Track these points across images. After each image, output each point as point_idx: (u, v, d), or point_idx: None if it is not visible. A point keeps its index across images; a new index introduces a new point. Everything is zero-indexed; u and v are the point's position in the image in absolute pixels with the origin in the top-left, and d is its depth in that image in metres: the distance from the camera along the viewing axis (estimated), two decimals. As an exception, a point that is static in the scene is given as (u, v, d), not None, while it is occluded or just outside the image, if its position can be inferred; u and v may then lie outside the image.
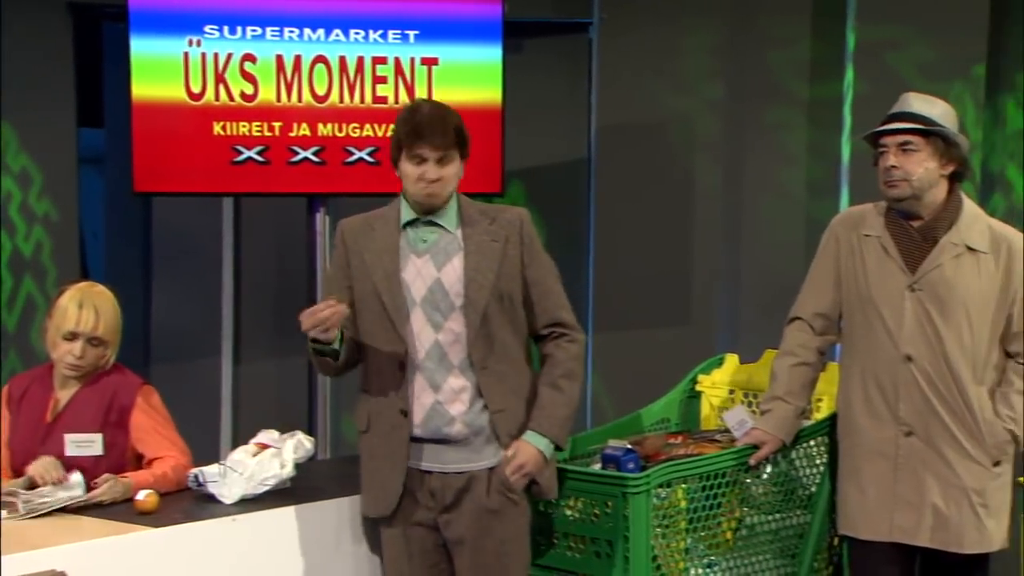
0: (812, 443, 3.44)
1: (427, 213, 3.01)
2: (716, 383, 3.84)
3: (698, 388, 3.87)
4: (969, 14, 4.80)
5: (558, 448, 3.08)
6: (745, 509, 3.36)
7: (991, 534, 3.22)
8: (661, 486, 3.15)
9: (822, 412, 3.58)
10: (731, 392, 3.79)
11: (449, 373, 2.97)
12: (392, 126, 3.02)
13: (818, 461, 3.45)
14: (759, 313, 5.02)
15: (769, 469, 3.37)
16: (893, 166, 3.19)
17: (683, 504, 3.21)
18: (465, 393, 2.98)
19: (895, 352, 3.22)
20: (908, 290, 3.22)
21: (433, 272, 2.99)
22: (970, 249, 3.21)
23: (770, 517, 3.39)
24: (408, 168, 2.97)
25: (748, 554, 3.34)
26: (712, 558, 3.27)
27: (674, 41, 5.15)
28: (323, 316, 2.83)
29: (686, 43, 5.16)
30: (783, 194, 5.13)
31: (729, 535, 3.31)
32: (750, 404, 3.68)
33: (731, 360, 3.90)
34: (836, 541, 3.47)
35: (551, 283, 3.10)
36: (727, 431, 3.44)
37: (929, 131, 3.18)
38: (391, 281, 2.98)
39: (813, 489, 3.44)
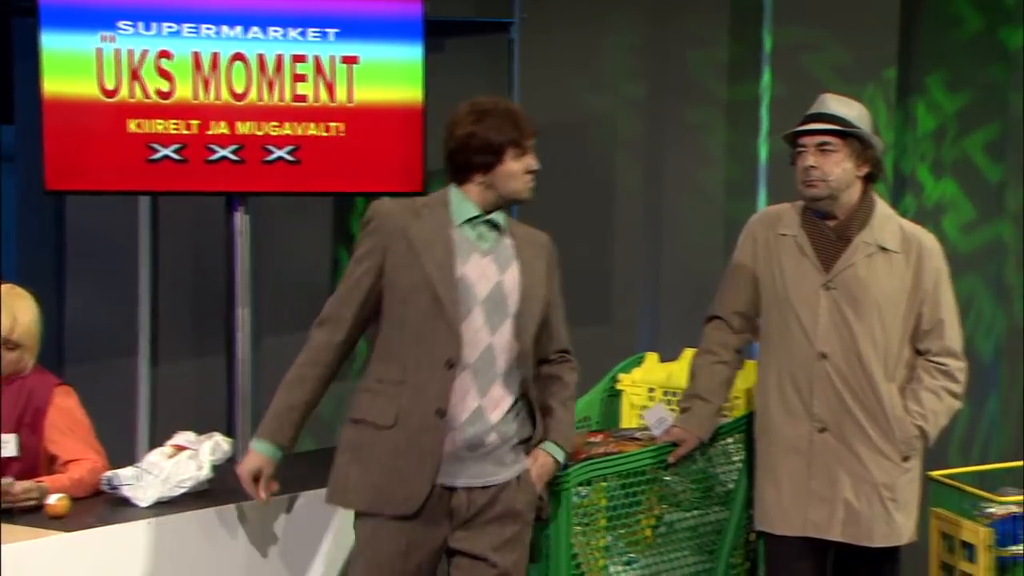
0: (730, 440, 3.48)
1: (490, 211, 2.95)
2: (636, 381, 3.86)
3: (618, 387, 3.89)
4: (880, 17, 4.88)
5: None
6: (664, 506, 3.39)
7: (900, 528, 3.29)
8: (581, 484, 3.17)
9: (739, 409, 3.62)
10: (651, 390, 3.81)
11: (495, 379, 2.90)
12: (458, 132, 2.90)
13: (736, 458, 3.49)
14: (679, 312, 5.06)
15: (688, 467, 3.40)
16: (812, 166, 3.24)
17: (603, 502, 3.23)
18: (504, 402, 2.92)
19: (810, 350, 3.27)
20: (823, 288, 3.27)
21: (496, 274, 2.93)
22: (882, 248, 3.27)
23: (689, 514, 3.43)
24: (515, 166, 2.92)
25: (667, 551, 3.38)
26: (632, 555, 3.30)
27: (594, 40, 5.17)
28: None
29: (606, 42, 5.19)
30: (702, 194, 5.17)
31: (648, 532, 3.34)
32: (669, 402, 3.71)
33: (651, 359, 3.94)
34: (753, 537, 3.52)
35: (562, 311, 3.10)
36: (647, 429, 3.47)
37: (847, 132, 3.24)
38: (446, 274, 2.86)
39: (731, 486, 3.48)
